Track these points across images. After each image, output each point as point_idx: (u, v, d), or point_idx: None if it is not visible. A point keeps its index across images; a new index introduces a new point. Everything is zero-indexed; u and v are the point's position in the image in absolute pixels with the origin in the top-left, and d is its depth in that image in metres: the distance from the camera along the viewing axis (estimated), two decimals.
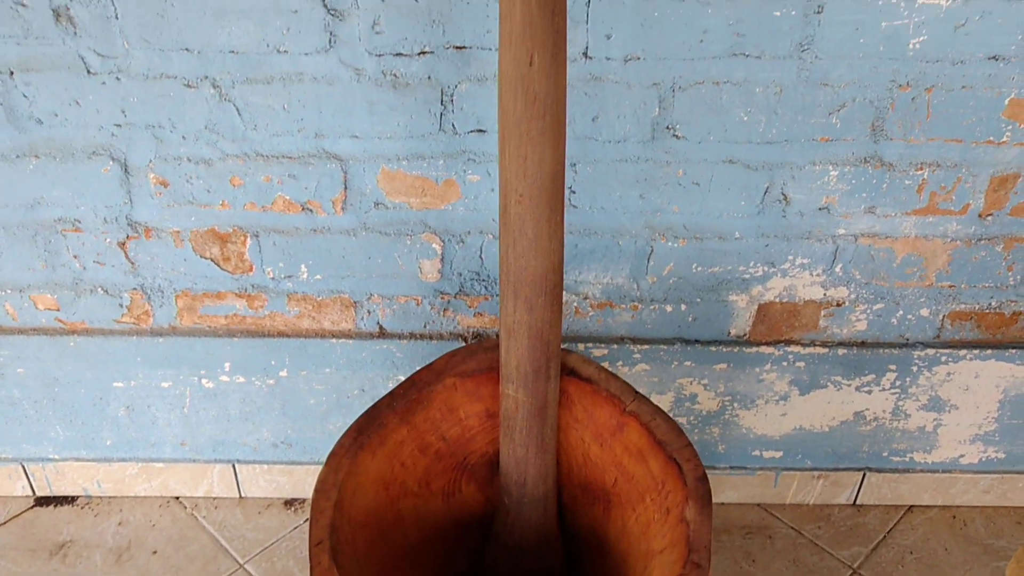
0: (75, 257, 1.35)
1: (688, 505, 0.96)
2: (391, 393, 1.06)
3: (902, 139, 1.23)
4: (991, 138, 1.23)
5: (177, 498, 1.61)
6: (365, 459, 1.02)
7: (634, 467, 1.04)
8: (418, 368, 1.27)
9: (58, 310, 1.40)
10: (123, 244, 1.33)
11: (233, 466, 1.57)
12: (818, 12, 1.13)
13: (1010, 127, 1.22)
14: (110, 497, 1.61)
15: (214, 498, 1.60)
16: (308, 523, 1.18)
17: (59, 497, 1.60)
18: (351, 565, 0.95)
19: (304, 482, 1.59)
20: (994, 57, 1.16)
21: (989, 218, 1.30)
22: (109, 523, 1.56)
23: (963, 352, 1.42)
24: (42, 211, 1.30)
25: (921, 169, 1.26)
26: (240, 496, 1.61)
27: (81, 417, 1.50)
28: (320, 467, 1.54)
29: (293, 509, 1.59)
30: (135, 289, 1.38)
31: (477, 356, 1.09)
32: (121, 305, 1.40)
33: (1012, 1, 1.12)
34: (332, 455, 1.01)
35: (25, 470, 1.57)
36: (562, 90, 0.92)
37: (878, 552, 1.53)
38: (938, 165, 1.25)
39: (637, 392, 1.05)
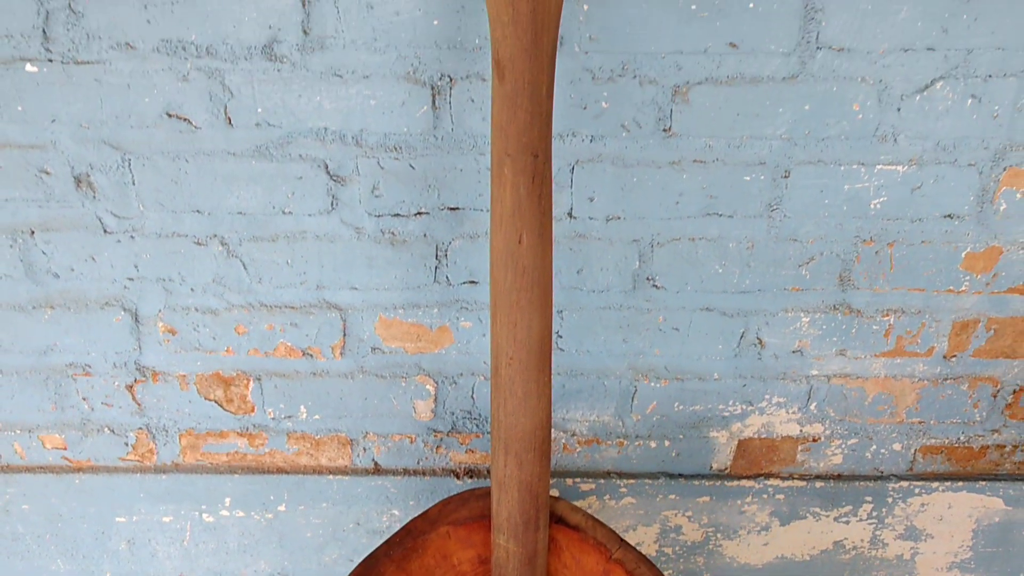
0: (84, 399, 1.41)
1: None
2: (388, 541, 1.11)
3: (868, 288, 1.31)
4: (951, 287, 1.31)
5: None
6: None
7: None
8: (414, 516, 1.32)
9: (65, 448, 1.45)
10: (131, 387, 1.39)
11: None
12: (785, 176, 1.23)
13: (968, 277, 1.31)
14: None
15: None
16: None
17: None
18: None
19: None
20: (949, 215, 1.26)
21: (953, 359, 1.38)
22: None
23: (935, 484, 1.48)
24: (54, 357, 1.36)
25: (887, 315, 1.34)
26: None
27: (82, 551, 1.54)
28: None
29: None
30: (140, 428, 1.44)
31: (469, 504, 1.15)
32: (126, 444, 1.45)
33: (963, 168, 1.22)
34: None
35: None
36: (548, 264, 1.00)
37: None
38: (903, 312, 1.34)
39: (622, 540, 1.11)
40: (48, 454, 1.46)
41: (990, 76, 1.16)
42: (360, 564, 1.08)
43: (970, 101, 1.17)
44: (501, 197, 0.98)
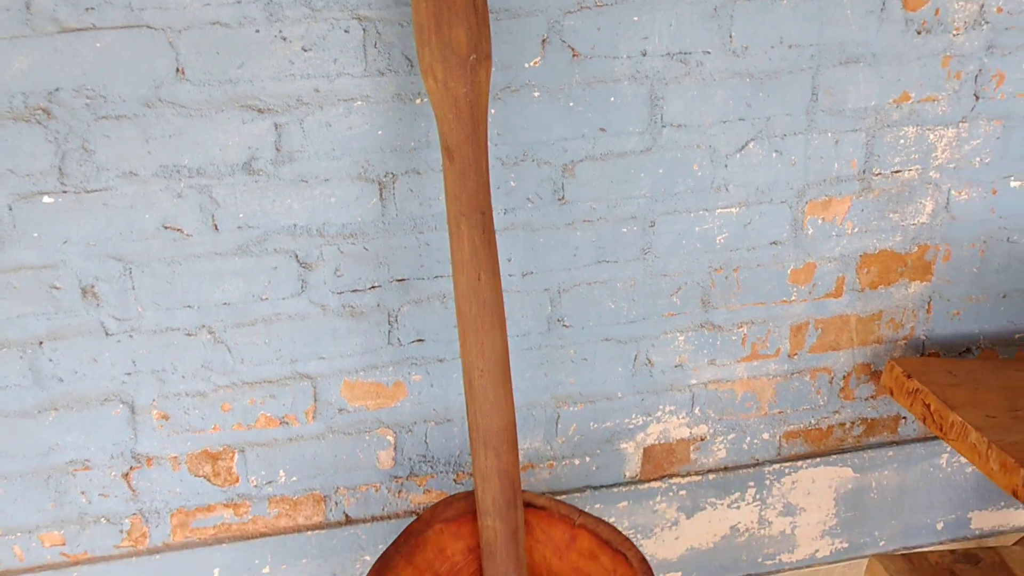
0: (82, 493, 1.58)
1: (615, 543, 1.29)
2: (395, 542, 1.36)
3: (724, 307, 1.70)
4: (784, 298, 1.72)
5: None
6: None
7: (589, 566, 1.37)
8: (385, 546, 1.56)
9: (64, 544, 1.61)
10: (127, 475, 1.58)
11: None
12: (652, 226, 1.61)
13: (795, 289, 1.71)
14: None
15: None
16: None
17: None
18: None
19: None
20: (774, 242, 1.67)
21: (796, 357, 1.77)
22: None
23: (800, 463, 1.85)
24: (55, 456, 1.54)
25: (742, 327, 1.72)
26: None
27: None
28: None
29: None
30: (135, 514, 1.61)
31: (454, 505, 1.41)
32: (121, 531, 1.62)
33: (778, 205, 1.64)
34: None
35: None
36: (500, 296, 1.33)
37: None
38: (752, 322, 1.72)
39: (581, 510, 1.40)
40: (47, 552, 1.60)
41: (785, 135, 1.59)
42: (378, 560, 1.32)
43: (774, 155, 1.60)
44: (460, 247, 1.30)
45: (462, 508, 1.41)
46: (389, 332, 1.58)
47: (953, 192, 1.70)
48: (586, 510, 1.76)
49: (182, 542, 1.65)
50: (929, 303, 1.79)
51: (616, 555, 1.34)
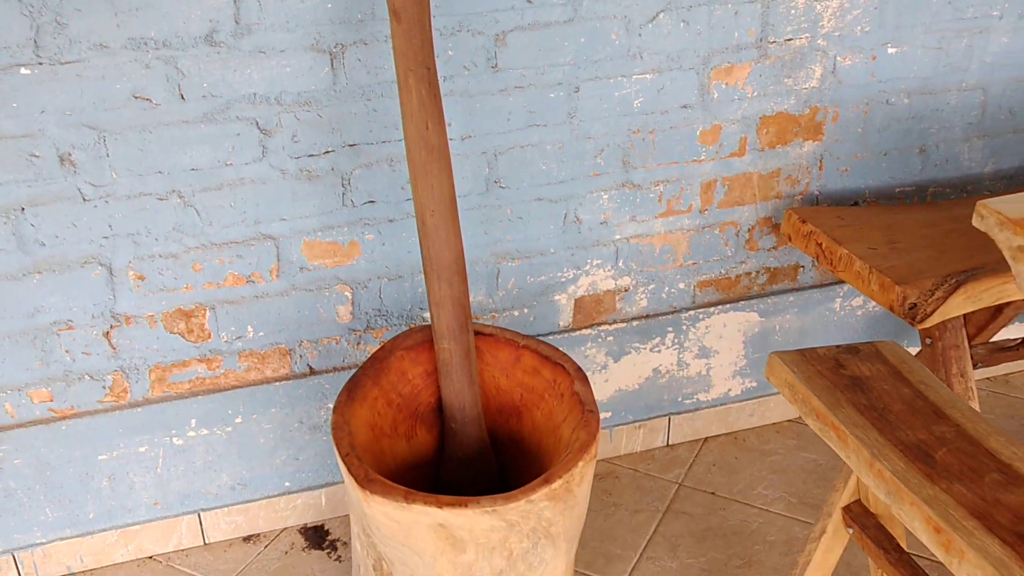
0: (67, 352, 1.72)
1: (575, 383, 1.50)
2: (363, 366, 1.54)
3: (642, 167, 1.90)
4: (694, 158, 1.93)
5: (151, 557, 1.92)
6: (356, 409, 1.49)
7: (532, 380, 1.58)
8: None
9: (51, 401, 1.75)
10: (107, 334, 1.73)
11: (198, 515, 1.92)
12: (576, 91, 1.79)
13: (704, 149, 1.93)
14: (91, 569, 1.90)
15: (184, 549, 1.94)
16: (336, 447, 1.59)
17: None
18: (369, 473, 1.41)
19: (258, 518, 1.96)
20: (684, 106, 1.87)
21: (706, 212, 1.99)
22: None
23: (712, 309, 2.08)
24: (41, 317, 1.68)
25: (658, 185, 1.93)
26: (205, 543, 1.95)
27: (69, 495, 1.82)
28: (270, 500, 1.94)
29: (251, 543, 1.96)
30: (116, 371, 1.76)
31: (413, 335, 1.60)
32: (104, 387, 1.77)
33: (686, 71, 1.84)
34: (336, 408, 1.47)
35: (15, 559, 1.84)
36: (446, 143, 1.50)
37: (692, 470, 2.12)
38: (667, 181, 1.93)
39: (524, 335, 1.60)
40: (36, 408, 1.75)
41: (691, 6, 1.79)
42: (346, 385, 1.50)
43: (682, 24, 1.80)
44: (409, 100, 1.47)
45: (420, 338, 1.59)
46: (343, 194, 1.75)
47: (839, 58, 1.92)
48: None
49: (160, 396, 1.81)
50: (821, 161, 2.02)
51: (555, 367, 1.54)
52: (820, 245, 1.85)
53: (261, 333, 1.82)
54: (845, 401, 1.37)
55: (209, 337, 1.79)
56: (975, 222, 1.30)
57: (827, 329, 2.19)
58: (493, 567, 1.40)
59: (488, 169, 1.81)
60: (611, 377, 2.08)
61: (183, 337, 1.77)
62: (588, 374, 2.05)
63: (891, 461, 1.26)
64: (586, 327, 2.02)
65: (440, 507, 1.31)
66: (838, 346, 1.51)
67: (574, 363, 1.55)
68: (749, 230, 2.04)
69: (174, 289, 1.73)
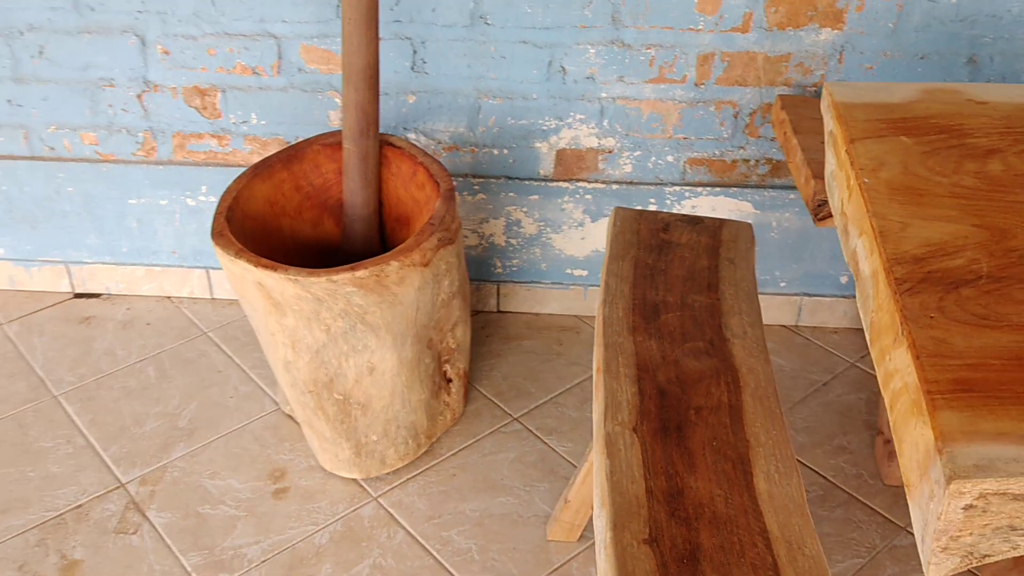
0: (109, 106, 2.07)
1: (437, 201, 1.61)
2: (277, 153, 1.74)
3: (633, 27, 1.89)
4: (691, 26, 1.88)
5: (168, 297, 2.29)
6: (256, 183, 1.70)
7: (419, 195, 1.70)
8: None
9: (97, 145, 2.12)
10: (140, 96, 2.05)
11: (207, 272, 2.25)
12: None
13: (702, 19, 1.87)
14: (123, 295, 2.30)
15: (194, 297, 2.29)
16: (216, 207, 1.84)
17: (89, 293, 2.30)
18: (239, 234, 1.62)
19: None
20: None
21: (702, 86, 1.94)
22: (121, 308, 2.25)
23: (700, 189, 2.04)
24: (91, 72, 2.03)
25: (650, 48, 1.91)
26: (212, 297, 2.29)
27: (108, 228, 2.21)
28: None
29: None
30: (146, 130, 2.09)
31: (334, 135, 1.77)
32: (137, 142, 2.11)
33: None
34: (234, 181, 1.68)
35: (69, 271, 2.28)
36: None
37: None
38: (660, 46, 1.90)
39: (425, 152, 1.71)
40: (86, 148, 2.13)
41: None
42: (255, 164, 1.71)
43: None
44: None
45: (339, 139, 1.76)
46: (338, 6, 1.92)
47: None
48: (500, 196, 2.07)
49: (180, 160, 2.12)
50: (841, 53, 1.88)
51: (435, 185, 1.65)
52: (784, 134, 1.76)
53: (263, 122, 2.06)
54: (632, 256, 1.37)
55: (220, 116, 2.06)
56: (821, 102, 1.25)
57: (835, 242, 2.06)
58: (315, 337, 1.58)
59: (473, 3, 1.89)
60: (587, 236, 2.12)
61: (199, 112, 2.06)
62: (564, 228, 2.10)
63: (616, 307, 1.27)
64: (565, 180, 2.07)
65: (256, 266, 1.50)
66: (685, 215, 1.49)
67: (450, 185, 1.65)
68: (750, 114, 1.96)
69: (192, 68, 2.01)
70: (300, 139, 1.99)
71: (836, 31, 1.86)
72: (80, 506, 1.75)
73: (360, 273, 1.48)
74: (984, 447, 0.76)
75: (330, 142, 1.76)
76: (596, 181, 2.06)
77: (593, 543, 1.68)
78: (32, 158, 2.14)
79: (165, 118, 2.08)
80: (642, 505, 0.97)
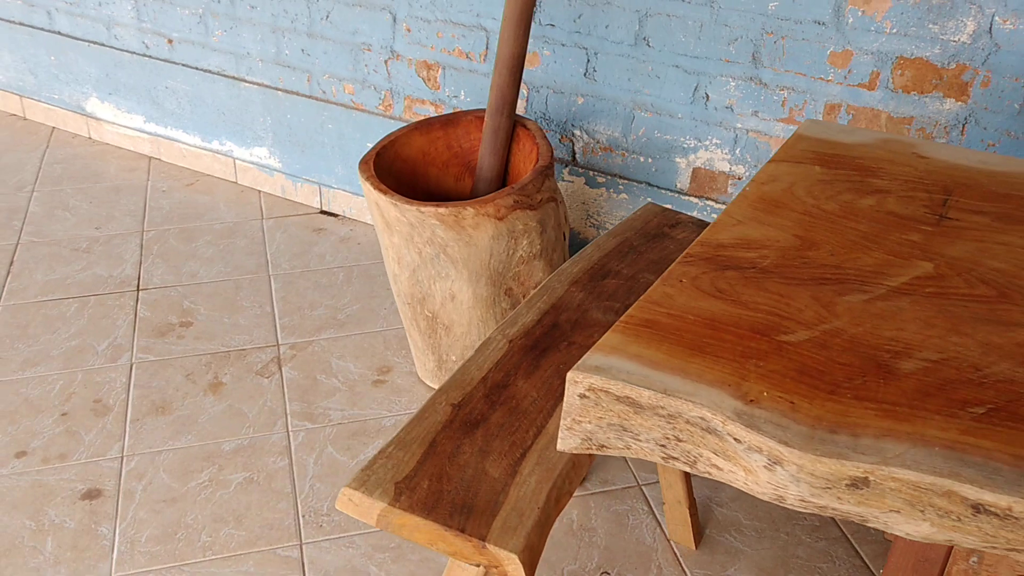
0: (365, 66, 2.63)
1: (530, 172, 1.94)
2: (439, 116, 2.17)
3: (770, 68, 2.08)
4: (822, 76, 2.03)
5: None
6: (415, 135, 2.14)
7: (531, 169, 2.04)
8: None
9: (353, 95, 2.69)
10: (387, 62, 2.59)
11: None
12: None
13: (833, 70, 2.02)
14: (353, 219, 2.87)
15: None
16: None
17: (330, 212, 2.90)
18: (387, 169, 2.07)
19: None
20: (817, 22, 1.99)
21: None
22: (346, 228, 2.82)
23: None
24: (357, 37, 2.60)
25: (783, 90, 2.09)
26: None
27: (351, 162, 2.78)
28: None
29: None
30: (387, 90, 2.63)
31: (484, 111, 2.16)
32: (379, 98, 2.65)
33: None
34: (397, 129, 2.14)
35: (320, 191, 2.89)
36: None
37: None
38: (793, 89, 2.08)
39: (544, 136, 2.05)
40: (346, 97, 2.71)
41: None
42: (418, 121, 2.15)
43: None
44: None
45: None
46: (535, 13, 2.31)
47: (997, 18, 1.82)
48: (640, 199, 2.35)
49: (407, 119, 2.63)
50: (964, 124, 1.93)
51: (537, 165, 1.99)
52: None
53: (468, 99, 2.51)
54: (625, 236, 1.63)
55: (439, 88, 2.54)
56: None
57: None
58: (411, 257, 1.99)
59: (639, 26, 2.19)
60: None
61: (424, 83, 2.55)
62: None
63: (576, 264, 1.54)
64: (697, 196, 2.29)
65: (374, 189, 1.94)
66: (701, 219, 1.70)
67: (547, 163, 1.97)
68: None
69: (424, 45, 2.51)
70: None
71: (960, 103, 1.92)
72: (243, 350, 2.31)
73: (442, 210, 1.86)
74: (616, 359, 0.98)
75: (480, 116, 2.16)
76: (724, 203, 2.26)
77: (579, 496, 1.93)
78: (310, 97, 2.77)
79: (401, 83, 2.60)
80: (472, 383, 1.25)
